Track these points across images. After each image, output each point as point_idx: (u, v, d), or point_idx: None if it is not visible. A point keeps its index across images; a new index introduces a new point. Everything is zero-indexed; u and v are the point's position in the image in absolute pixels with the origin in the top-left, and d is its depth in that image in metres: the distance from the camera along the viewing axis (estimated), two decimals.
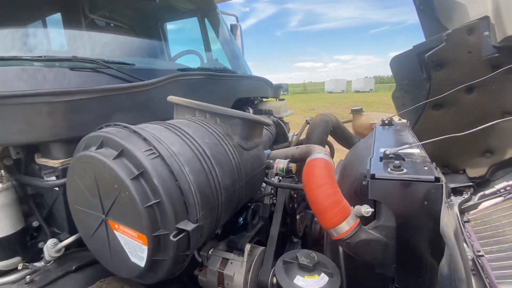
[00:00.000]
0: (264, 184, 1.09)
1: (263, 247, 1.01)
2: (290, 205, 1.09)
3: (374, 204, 0.78)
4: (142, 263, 0.57)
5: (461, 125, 1.88)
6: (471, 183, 1.77)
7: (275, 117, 1.70)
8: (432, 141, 1.03)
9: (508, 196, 1.60)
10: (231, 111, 0.80)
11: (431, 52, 1.71)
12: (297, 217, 1.17)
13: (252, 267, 0.94)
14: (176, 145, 0.65)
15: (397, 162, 0.74)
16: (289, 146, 1.45)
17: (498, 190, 1.66)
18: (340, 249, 0.94)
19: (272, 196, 1.14)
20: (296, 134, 1.57)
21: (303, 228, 1.20)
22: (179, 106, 0.91)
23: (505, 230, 1.41)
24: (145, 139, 0.59)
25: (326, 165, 0.89)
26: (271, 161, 0.97)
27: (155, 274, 0.61)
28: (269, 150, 1.08)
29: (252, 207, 1.04)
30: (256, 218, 1.08)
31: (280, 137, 1.71)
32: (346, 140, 1.73)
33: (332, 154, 1.67)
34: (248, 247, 0.95)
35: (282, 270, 0.82)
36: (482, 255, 1.33)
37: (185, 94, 1.25)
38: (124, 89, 0.92)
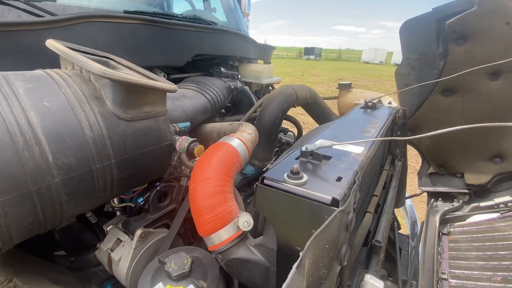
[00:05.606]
0: None
1: (164, 234, 0.87)
2: None
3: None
4: None
5: (475, 118, 1.51)
6: (467, 190, 1.48)
7: (241, 82, 1.45)
8: (388, 139, 0.77)
9: (506, 214, 1.31)
10: (96, 67, 0.59)
11: (454, 18, 1.30)
12: None
13: (140, 255, 0.82)
14: None
15: (295, 166, 0.52)
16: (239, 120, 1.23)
17: (497, 205, 1.36)
18: None
19: (189, 178, 0.97)
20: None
21: None
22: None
23: (485, 254, 1.16)
24: None
25: (227, 155, 0.68)
26: (177, 137, 0.78)
27: None
28: (187, 123, 0.88)
29: (158, 187, 0.88)
30: (167, 199, 0.93)
31: (244, 107, 1.47)
32: (323, 119, 1.46)
33: (299, 134, 1.43)
34: (139, 232, 0.81)
35: (150, 271, 0.69)
36: (446, 279, 1.12)
37: (111, 43, 1.04)
38: None
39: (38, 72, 0.63)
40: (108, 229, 0.91)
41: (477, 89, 1.37)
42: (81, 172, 0.59)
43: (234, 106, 1.50)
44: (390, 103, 1.28)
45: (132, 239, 0.84)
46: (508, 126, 1.36)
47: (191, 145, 0.74)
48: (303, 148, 0.61)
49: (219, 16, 2.45)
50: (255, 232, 0.66)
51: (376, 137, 0.83)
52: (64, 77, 0.63)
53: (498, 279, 1.02)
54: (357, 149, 0.69)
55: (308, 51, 41.96)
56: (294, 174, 0.52)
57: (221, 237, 0.58)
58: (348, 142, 0.63)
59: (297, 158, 0.64)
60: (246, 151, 0.73)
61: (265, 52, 1.95)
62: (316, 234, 0.38)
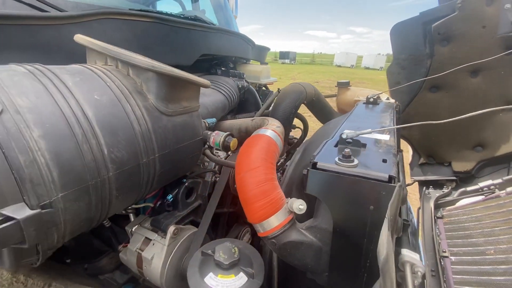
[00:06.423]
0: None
1: (193, 230, 0.87)
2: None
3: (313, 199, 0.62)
4: None
5: (458, 112, 1.66)
6: (454, 177, 1.63)
7: (247, 81, 1.48)
8: (409, 125, 0.84)
9: (489, 196, 1.46)
10: (143, 60, 0.59)
11: (439, 22, 1.44)
12: None
13: (174, 252, 0.81)
14: (30, 97, 0.46)
15: (347, 150, 0.56)
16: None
17: (481, 188, 1.52)
18: None
19: (215, 173, 0.98)
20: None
21: None
22: (90, 49, 0.70)
23: (476, 232, 1.29)
24: None
25: (268, 145, 0.71)
26: (209, 132, 0.79)
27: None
28: (213, 119, 0.89)
29: (186, 183, 0.88)
30: (193, 196, 0.93)
31: (250, 106, 1.50)
32: (325, 116, 1.53)
33: (305, 130, 1.50)
34: (171, 229, 0.81)
35: (196, 263, 0.69)
36: (447, 256, 1.23)
37: (125, 41, 1.02)
38: (16, 18, 0.70)
39: (78, 66, 0.62)
40: (133, 230, 0.89)
41: (460, 85, 1.53)
42: (130, 166, 0.58)
43: (239, 105, 1.52)
44: (388, 99, 1.38)
45: (163, 237, 0.83)
46: (485, 118, 1.53)
47: (226, 138, 0.75)
48: (344, 136, 0.66)
49: (210, 18, 2.46)
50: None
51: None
52: (105, 72, 0.62)
53: (492, 252, 1.14)
54: (384, 137, 0.75)
55: (283, 55, 42.77)
56: (346, 157, 0.56)
57: (274, 222, 0.61)
58: (385, 128, 0.68)
59: (335, 146, 0.68)
60: (281, 142, 0.77)
61: (261, 53, 2.00)
62: (390, 205, 0.43)
